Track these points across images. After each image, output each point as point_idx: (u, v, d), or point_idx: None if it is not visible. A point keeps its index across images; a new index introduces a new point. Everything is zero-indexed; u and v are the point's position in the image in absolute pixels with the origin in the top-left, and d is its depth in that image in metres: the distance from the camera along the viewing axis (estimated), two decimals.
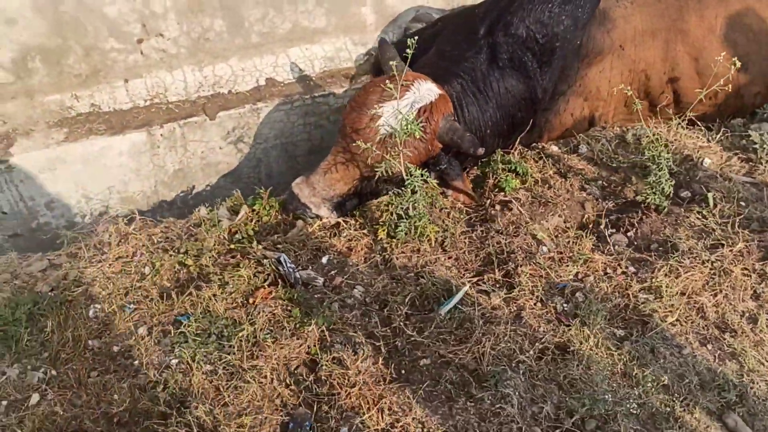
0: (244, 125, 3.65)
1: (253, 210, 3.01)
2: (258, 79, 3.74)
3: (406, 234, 2.67)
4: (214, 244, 2.82)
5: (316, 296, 2.51)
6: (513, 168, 3.13)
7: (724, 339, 2.30)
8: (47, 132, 3.39)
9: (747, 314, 2.39)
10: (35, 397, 2.26)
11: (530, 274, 2.47)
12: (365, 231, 2.82)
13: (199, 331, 2.36)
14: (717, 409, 2.11)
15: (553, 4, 2.93)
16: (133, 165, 3.54)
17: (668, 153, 2.76)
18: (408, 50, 2.54)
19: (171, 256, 2.80)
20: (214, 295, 2.53)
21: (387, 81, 2.67)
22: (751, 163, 3.04)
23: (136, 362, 2.35)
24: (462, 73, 3.00)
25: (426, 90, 2.78)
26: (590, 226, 2.86)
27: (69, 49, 3.37)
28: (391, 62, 2.85)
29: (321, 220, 2.89)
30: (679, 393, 2.12)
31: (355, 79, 3.81)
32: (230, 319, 2.41)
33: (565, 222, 2.88)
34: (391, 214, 2.75)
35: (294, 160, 3.94)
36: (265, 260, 2.63)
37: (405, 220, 2.67)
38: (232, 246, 2.80)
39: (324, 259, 2.72)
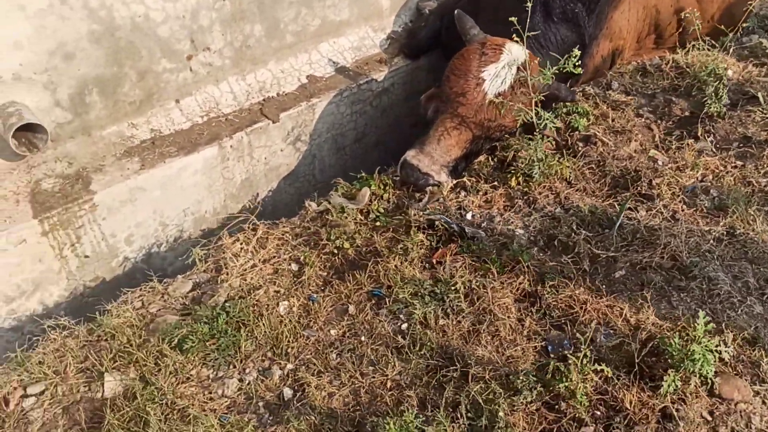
0: (302, 123, 3.74)
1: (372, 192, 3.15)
2: (299, 78, 3.84)
3: (540, 175, 2.94)
4: (356, 227, 2.94)
5: (489, 245, 2.73)
6: (575, 110, 3.49)
7: None
8: (119, 164, 3.30)
9: None
10: (288, 391, 2.30)
11: (665, 184, 2.85)
12: (495, 183, 3.06)
13: (414, 295, 2.50)
14: None
15: None
16: (206, 182, 3.53)
17: (716, 68, 3.24)
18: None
19: (316, 247, 2.88)
20: (396, 266, 2.67)
21: (482, 47, 2.93)
22: (766, 67, 3.61)
23: (363, 338, 2.45)
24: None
25: (516, 50, 3.06)
26: (663, 143, 3.29)
27: (125, 76, 3.30)
28: (472, 30, 3.11)
29: (442, 185, 3.09)
30: None
31: (387, 63, 4.00)
32: (431, 279, 2.57)
33: (641, 145, 3.28)
34: (519, 162, 3.02)
35: (342, 151, 4.06)
36: (427, 226, 2.79)
37: (538, 163, 2.94)
38: (378, 224, 2.94)
39: (468, 216, 2.93)
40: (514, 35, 3.04)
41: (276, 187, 3.87)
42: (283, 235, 3.01)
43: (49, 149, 3.23)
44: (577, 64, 2.88)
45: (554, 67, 2.99)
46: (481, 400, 2.03)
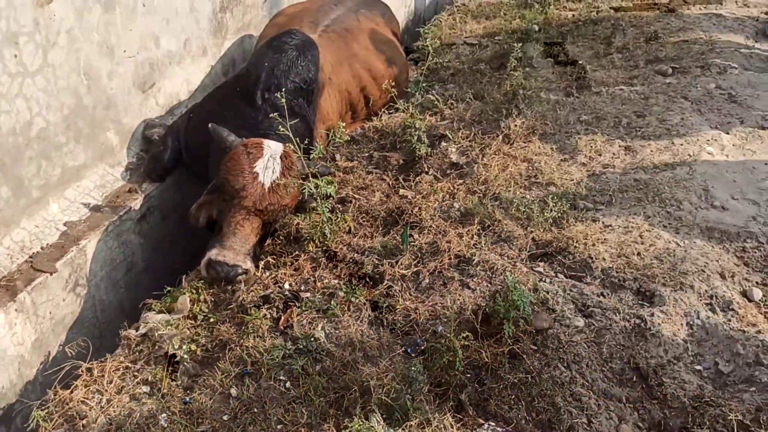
0: (77, 267, 3.75)
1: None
2: (57, 227, 3.85)
3: (330, 233, 3.50)
4: (192, 331, 3.15)
5: (320, 298, 3.17)
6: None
7: None
8: None
9: None
10: None
11: (423, 210, 3.62)
12: (296, 253, 3.52)
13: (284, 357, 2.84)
14: None
15: (304, 59, 4.06)
16: None
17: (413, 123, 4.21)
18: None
19: (161, 362, 3.03)
20: (253, 344, 2.96)
21: (246, 148, 3.48)
22: (439, 114, 4.71)
23: (256, 409, 2.69)
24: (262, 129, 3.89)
25: (274, 145, 3.61)
26: (400, 185, 4.11)
27: None
28: (230, 137, 3.61)
29: (249, 271, 3.46)
30: None
31: (138, 191, 4.22)
32: (290, 340, 2.94)
33: (383, 193, 4.07)
34: (306, 229, 3.54)
35: (117, 285, 4.12)
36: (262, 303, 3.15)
37: (327, 223, 3.50)
38: (212, 320, 3.19)
39: (286, 285, 3.34)
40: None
41: (65, 339, 3.78)
42: (119, 366, 3.06)
43: None
44: (309, 148, 3.55)
45: (298, 153, 3.59)
46: (388, 400, 2.46)
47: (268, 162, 3.51)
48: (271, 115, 3.66)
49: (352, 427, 2.23)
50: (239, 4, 5.36)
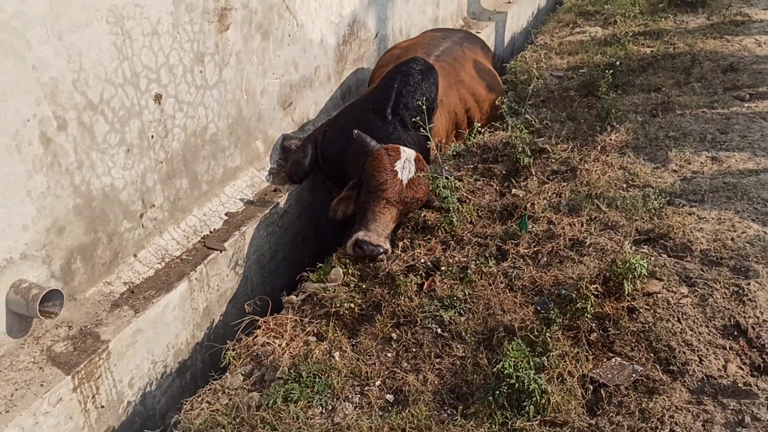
0: (238, 249, 4.44)
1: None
2: (220, 216, 4.57)
3: (457, 220, 4.11)
4: (347, 294, 3.77)
5: (454, 268, 3.76)
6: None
7: None
8: (115, 314, 3.70)
9: None
10: (389, 397, 3.03)
11: (535, 204, 4.20)
12: (427, 236, 4.13)
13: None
14: None
15: (427, 82, 4.74)
16: (181, 315, 4.02)
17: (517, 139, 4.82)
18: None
19: (327, 316, 3.64)
20: (405, 302, 3.55)
21: (387, 151, 4.15)
22: (535, 133, 5.31)
23: (414, 348, 3.27)
24: (392, 140, 4.56)
25: (407, 150, 4.28)
26: (507, 188, 4.70)
27: (98, 241, 3.77)
28: (372, 143, 4.29)
29: (388, 251, 4.07)
30: None
31: (283, 190, 4.93)
32: (437, 300, 3.52)
33: (491, 196, 4.66)
34: (435, 218, 4.16)
35: (263, 269, 4.80)
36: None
37: (453, 213, 4.11)
38: (363, 286, 3.80)
39: (422, 261, 3.95)
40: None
41: (225, 310, 4.45)
42: (290, 320, 3.69)
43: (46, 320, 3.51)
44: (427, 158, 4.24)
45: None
46: (532, 336, 3.02)
47: (405, 163, 4.17)
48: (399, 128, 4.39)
49: (510, 348, 2.79)
50: (356, 39, 6.13)
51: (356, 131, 4.34)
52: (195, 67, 4.16)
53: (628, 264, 3.20)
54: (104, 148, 3.62)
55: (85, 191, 3.59)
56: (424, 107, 4.58)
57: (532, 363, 2.81)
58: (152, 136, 3.92)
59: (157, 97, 3.89)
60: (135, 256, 4.04)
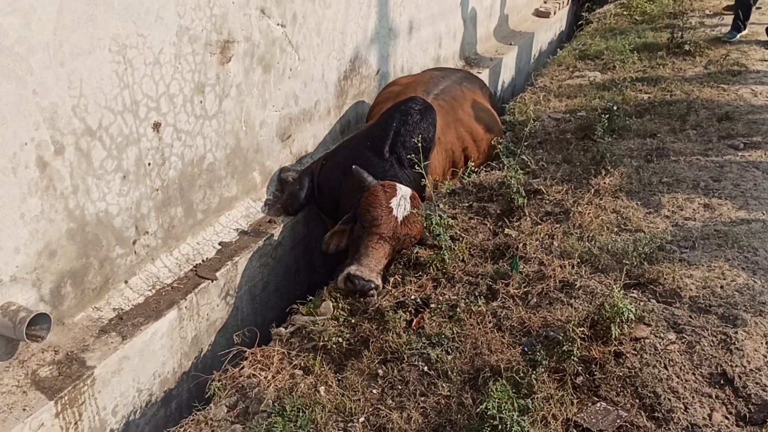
0: (230, 279, 4.45)
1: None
2: (214, 246, 4.58)
3: (449, 259, 4.12)
4: (336, 329, 3.76)
5: (444, 306, 3.77)
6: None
7: None
8: (102, 340, 3.69)
9: None
10: None
11: (527, 245, 4.22)
12: (418, 273, 4.14)
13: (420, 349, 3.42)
14: None
15: (425, 121, 4.80)
16: (169, 343, 4.01)
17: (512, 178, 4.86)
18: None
19: (314, 350, 3.64)
20: (392, 339, 3.55)
21: (383, 188, 4.18)
22: (531, 174, 5.35)
23: (399, 386, 3.26)
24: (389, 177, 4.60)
25: (403, 188, 4.32)
26: (501, 228, 4.72)
27: (90, 266, 3.78)
28: (368, 178, 4.32)
29: (380, 287, 4.08)
30: None
31: (277, 222, 4.95)
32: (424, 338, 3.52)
33: (485, 235, 4.68)
34: (426, 256, 4.17)
35: (254, 300, 4.80)
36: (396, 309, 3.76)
37: (446, 251, 4.13)
38: (353, 320, 3.80)
39: (412, 297, 3.96)
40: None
41: (213, 340, 4.43)
42: (277, 353, 3.68)
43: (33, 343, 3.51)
44: (422, 196, 4.29)
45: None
46: (518, 378, 3.02)
47: (400, 200, 4.20)
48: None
49: (494, 388, 2.79)
50: (357, 75, 6.21)
51: (355, 166, 4.38)
52: (195, 97, 4.21)
53: (616, 308, 3.21)
54: (100, 174, 3.65)
55: (79, 216, 3.61)
56: (420, 146, 4.63)
57: (516, 405, 2.80)
58: (149, 164, 3.96)
59: (156, 126, 3.94)
60: (126, 282, 4.04)
